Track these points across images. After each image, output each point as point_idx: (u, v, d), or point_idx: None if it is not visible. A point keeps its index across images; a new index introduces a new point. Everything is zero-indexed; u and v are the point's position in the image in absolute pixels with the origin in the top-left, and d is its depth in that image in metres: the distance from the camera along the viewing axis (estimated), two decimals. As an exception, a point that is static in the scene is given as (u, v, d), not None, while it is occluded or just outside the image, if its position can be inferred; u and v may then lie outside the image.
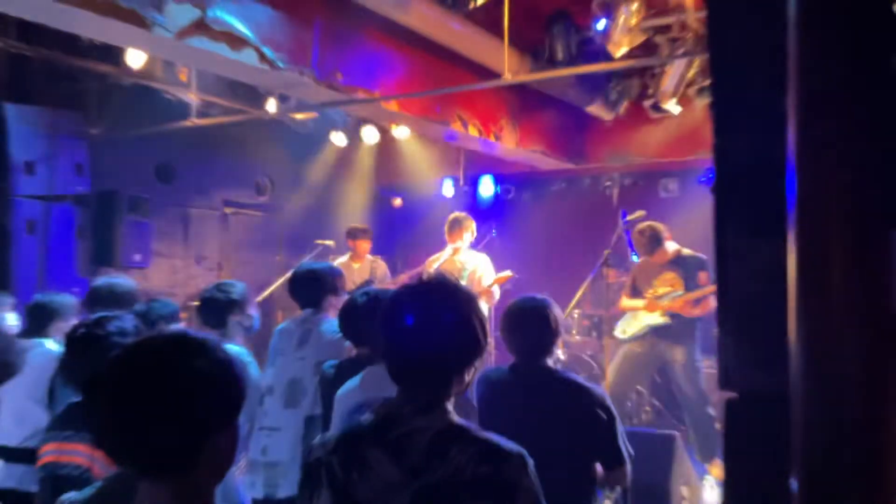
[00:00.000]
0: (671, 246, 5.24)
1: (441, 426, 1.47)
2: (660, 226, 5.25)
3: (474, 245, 5.85)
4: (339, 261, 6.22)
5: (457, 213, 5.79)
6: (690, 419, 5.27)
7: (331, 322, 3.20)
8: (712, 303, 4.90)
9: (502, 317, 2.73)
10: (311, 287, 3.33)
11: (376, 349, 2.32)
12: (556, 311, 2.69)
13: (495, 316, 5.96)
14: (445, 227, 5.69)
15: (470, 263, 5.65)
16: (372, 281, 5.97)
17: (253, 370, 3.15)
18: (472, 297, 1.58)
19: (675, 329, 5.13)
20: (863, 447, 0.86)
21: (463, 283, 5.39)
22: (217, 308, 3.22)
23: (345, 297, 3.33)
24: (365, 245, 6.35)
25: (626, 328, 5.39)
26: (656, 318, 5.19)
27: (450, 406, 1.52)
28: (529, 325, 2.65)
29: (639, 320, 5.30)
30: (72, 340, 2.15)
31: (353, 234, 6.37)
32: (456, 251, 5.65)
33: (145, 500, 1.16)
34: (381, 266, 6.38)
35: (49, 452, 2.02)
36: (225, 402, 1.18)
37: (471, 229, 5.67)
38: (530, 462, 1.46)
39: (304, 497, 1.50)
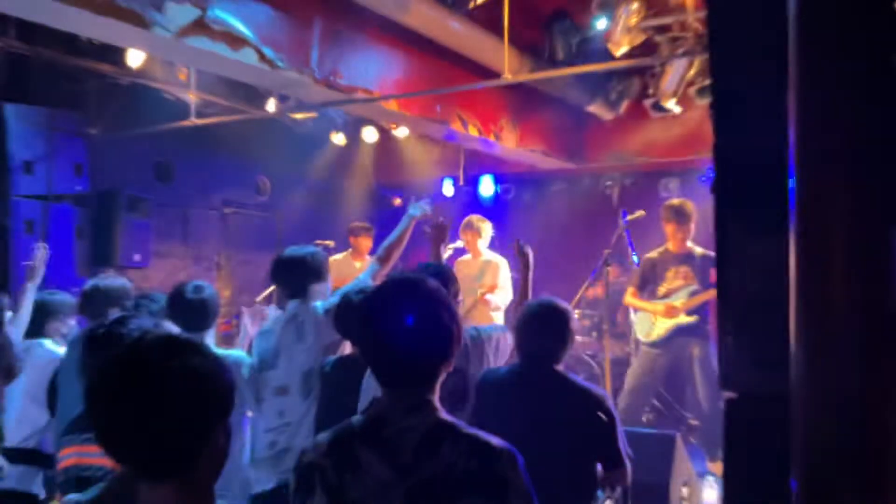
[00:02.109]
0: (690, 235, 5.21)
1: (431, 423, 1.49)
2: (692, 206, 5.22)
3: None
4: (336, 257, 6.22)
5: (470, 217, 5.86)
6: (702, 415, 5.21)
7: (317, 305, 3.13)
8: None
9: (519, 316, 2.71)
10: (295, 275, 3.16)
11: None
12: (574, 320, 2.69)
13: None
14: (460, 230, 5.74)
15: (486, 265, 5.71)
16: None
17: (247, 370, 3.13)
18: (442, 291, 1.59)
19: (695, 325, 5.10)
20: (863, 447, 0.86)
21: (478, 283, 5.41)
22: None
23: (328, 284, 3.30)
24: (367, 243, 6.36)
25: (651, 331, 5.26)
26: (683, 319, 5.10)
27: (437, 403, 1.53)
28: (546, 332, 2.64)
29: (663, 321, 5.24)
30: (91, 339, 2.15)
31: (355, 231, 6.39)
32: (473, 254, 5.69)
33: (147, 502, 1.16)
34: None
35: (70, 455, 2.01)
36: (219, 398, 1.20)
37: (482, 231, 5.72)
38: (520, 459, 1.48)
39: (298, 501, 1.51)
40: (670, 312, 5.14)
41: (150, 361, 1.16)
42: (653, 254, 5.31)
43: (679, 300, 5.12)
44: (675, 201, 5.32)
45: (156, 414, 1.12)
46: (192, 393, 1.15)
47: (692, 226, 5.18)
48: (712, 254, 4.78)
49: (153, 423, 1.12)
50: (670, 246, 5.27)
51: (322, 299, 3.15)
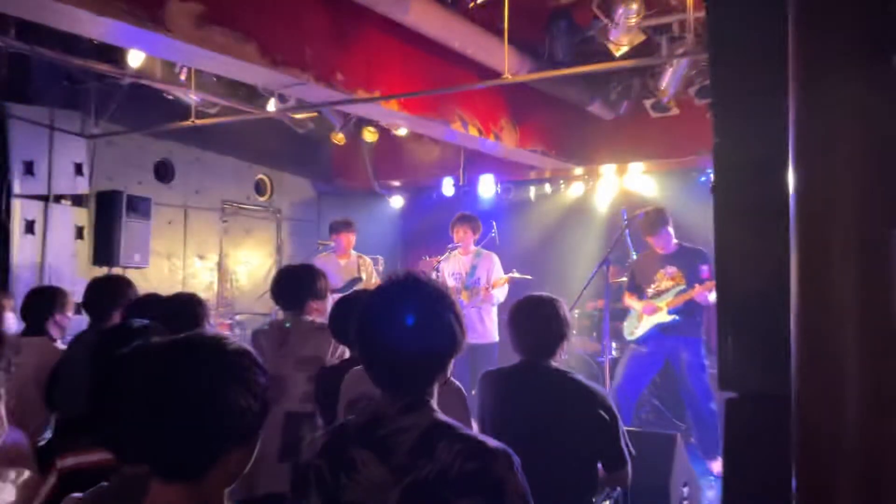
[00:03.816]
0: (673, 235, 5.26)
1: (427, 424, 1.47)
2: (665, 210, 5.28)
3: (477, 244, 5.90)
4: (319, 257, 6.18)
5: (462, 213, 5.86)
6: (693, 416, 5.26)
7: (311, 320, 3.25)
8: (712, 297, 4.91)
9: (509, 314, 2.71)
10: (292, 290, 3.29)
11: None
12: (564, 310, 2.67)
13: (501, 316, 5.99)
14: (451, 226, 5.77)
15: (478, 260, 5.70)
16: (360, 279, 5.89)
17: None
18: (446, 293, 1.57)
19: (682, 326, 5.14)
20: (862, 447, 0.86)
21: (471, 279, 5.42)
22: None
23: (327, 301, 3.35)
24: (349, 238, 6.12)
25: (634, 329, 5.38)
26: (663, 317, 5.19)
27: (434, 403, 1.52)
28: (536, 323, 2.64)
29: (645, 320, 5.30)
30: (100, 340, 2.13)
31: (335, 227, 6.15)
32: (463, 250, 5.70)
33: (156, 500, 1.17)
34: (368, 263, 6.31)
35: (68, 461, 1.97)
36: (243, 417, 1.18)
37: (473, 227, 5.72)
38: (516, 460, 1.46)
39: (295, 500, 1.51)
40: (649, 310, 5.18)
41: (165, 363, 1.17)
42: (642, 255, 5.38)
43: (664, 301, 5.18)
44: (647, 211, 5.36)
45: (166, 416, 1.13)
46: (210, 405, 1.15)
47: (669, 228, 5.24)
48: (700, 248, 4.84)
49: (163, 424, 1.13)
50: (657, 248, 5.33)
51: (319, 316, 3.27)
